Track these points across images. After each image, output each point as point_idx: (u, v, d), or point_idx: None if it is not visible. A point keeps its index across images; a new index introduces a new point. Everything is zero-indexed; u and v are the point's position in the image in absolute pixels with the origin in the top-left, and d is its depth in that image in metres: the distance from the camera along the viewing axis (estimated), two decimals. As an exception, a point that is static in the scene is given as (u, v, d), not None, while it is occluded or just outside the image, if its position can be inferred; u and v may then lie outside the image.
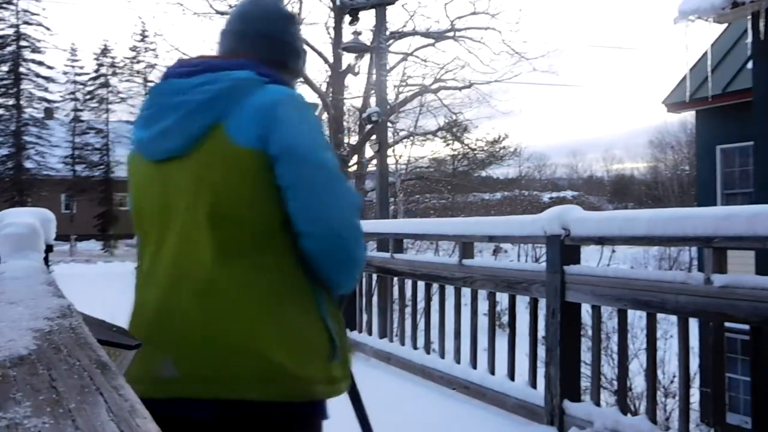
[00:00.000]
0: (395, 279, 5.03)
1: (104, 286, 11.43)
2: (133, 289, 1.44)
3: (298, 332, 1.28)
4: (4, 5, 34.59)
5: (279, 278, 1.29)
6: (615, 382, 6.48)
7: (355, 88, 35.17)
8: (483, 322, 4.07)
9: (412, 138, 23.58)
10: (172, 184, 1.32)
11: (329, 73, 20.51)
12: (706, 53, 10.32)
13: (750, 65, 8.02)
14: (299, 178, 1.27)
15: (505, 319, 4.41)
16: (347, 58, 19.03)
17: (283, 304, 1.28)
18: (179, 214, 1.30)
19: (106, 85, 38.96)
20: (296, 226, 1.29)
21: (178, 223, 1.31)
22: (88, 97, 39.03)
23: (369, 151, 20.92)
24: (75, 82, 38.60)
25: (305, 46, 1.57)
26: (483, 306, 4.20)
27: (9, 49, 35.14)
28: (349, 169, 20.28)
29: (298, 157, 1.27)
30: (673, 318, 2.81)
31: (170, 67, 1.42)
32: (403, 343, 4.84)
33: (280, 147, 1.26)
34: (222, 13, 19.85)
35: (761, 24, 6.37)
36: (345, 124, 21.97)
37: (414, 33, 20.23)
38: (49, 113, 37.86)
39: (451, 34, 20.25)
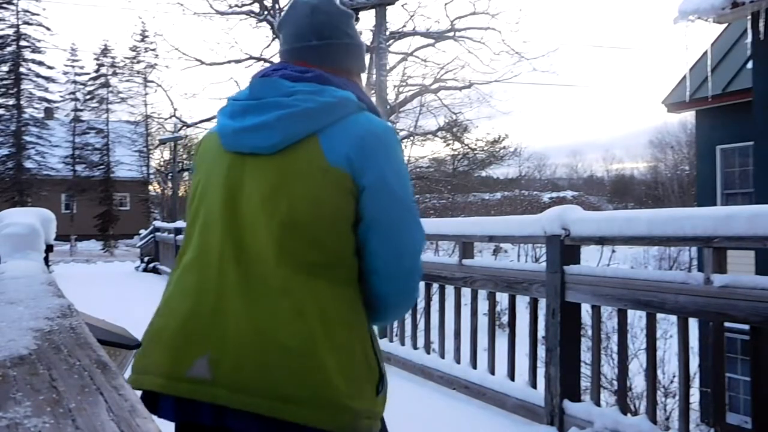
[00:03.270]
0: (395, 279, 5.03)
1: (104, 286, 11.42)
2: (174, 272, 1.36)
3: (356, 361, 1.23)
4: (4, 5, 34.59)
5: (342, 303, 1.24)
6: (615, 382, 6.48)
7: (355, 88, 35.10)
8: (483, 322, 4.08)
9: (412, 138, 23.60)
10: (248, 180, 1.27)
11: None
12: (706, 53, 10.32)
13: (750, 65, 8.02)
14: (385, 214, 1.27)
15: (505, 319, 4.41)
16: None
17: (345, 329, 1.23)
18: (249, 212, 1.25)
19: (106, 85, 38.96)
20: (369, 262, 1.28)
21: (246, 222, 1.25)
22: (88, 97, 39.03)
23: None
24: (75, 82, 38.60)
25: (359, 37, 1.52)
26: (483, 306, 4.20)
27: (9, 49, 35.14)
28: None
29: (387, 193, 1.26)
30: (673, 318, 2.81)
31: (276, 66, 1.38)
32: (403, 343, 4.84)
33: (372, 179, 1.25)
34: (222, 13, 19.87)
35: (761, 24, 6.37)
36: (345, 124, 21.93)
37: (414, 33, 20.24)
38: (49, 113, 37.85)
39: (451, 34, 20.26)
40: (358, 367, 1.23)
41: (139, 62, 39.10)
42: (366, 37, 13.20)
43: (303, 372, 1.16)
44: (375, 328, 1.38)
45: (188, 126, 24.05)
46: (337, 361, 1.19)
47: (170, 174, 29.61)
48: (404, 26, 20.22)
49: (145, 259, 16.47)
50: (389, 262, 1.28)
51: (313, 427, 1.16)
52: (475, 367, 4.00)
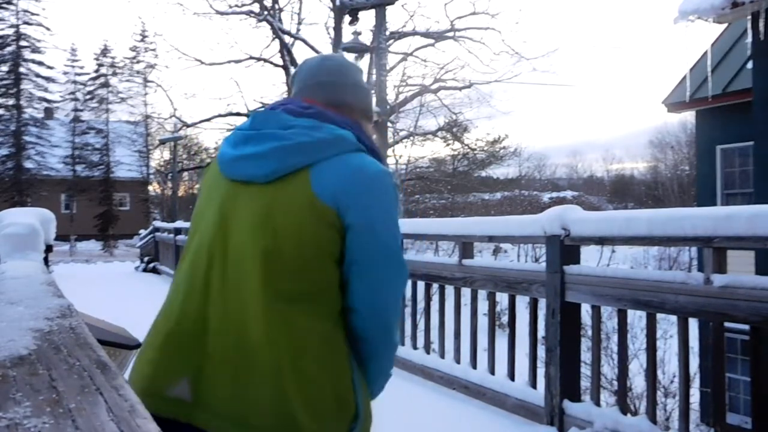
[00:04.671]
0: (395, 279, 5.03)
1: (104, 286, 11.42)
2: (169, 287, 1.41)
3: (324, 396, 1.24)
4: (4, 5, 34.59)
5: (317, 336, 1.25)
6: (615, 382, 6.48)
7: (355, 88, 35.11)
8: (483, 322, 4.08)
9: (412, 138, 23.60)
10: (240, 206, 1.31)
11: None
12: (706, 53, 10.32)
13: (750, 65, 8.02)
14: (367, 256, 1.28)
15: (505, 319, 4.41)
16: (347, 58, 19.01)
17: (315, 363, 1.24)
18: (238, 238, 1.29)
19: (106, 85, 38.97)
20: (349, 301, 1.30)
21: (233, 247, 1.29)
22: (88, 97, 39.03)
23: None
24: (75, 82, 38.61)
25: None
26: (483, 306, 4.20)
27: (9, 49, 35.15)
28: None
29: (371, 235, 1.28)
30: (673, 318, 2.81)
31: (283, 101, 1.44)
32: (402, 343, 4.84)
33: (356, 219, 1.27)
34: (222, 13, 19.87)
35: (761, 24, 6.37)
36: (345, 124, 21.92)
37: (414, 33, 20.23)
38: (49, 113, 37.85)
39: (451, 34, 20.26)
40: (326, 402, 1.23)
41: (139, 62, 39.13)
42: (366, 37, 13.21)
43: (268, 402, 1.18)
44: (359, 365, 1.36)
45: (188, 126, 24.04)
46: (302, 394, 1.20)
47: (170, 174, 29.61)
48: (404, 26, 20.22)
49: (145, 259, 16.47)
50: (367, 302, 1.30)
51: None
52: (475, 367, 4.00)
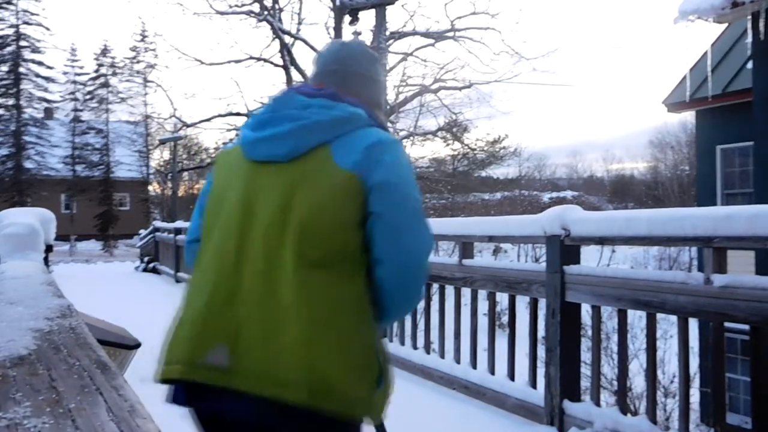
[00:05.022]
0: (395, 279, 5.03)
1: (104, 286, 11.42)
2: (193, 267, 1.47)
3: (354, 352, 1.32)
4: (4, 5, 34.59)
5: (347, 298, 1.34)
6: (615, 382, 6.48)
7: (355, 88, 35.08)
8: (483, 322, 4.07)
9: (412, 138, 23.57)
10: (265, 185, 1.39)
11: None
12: (706, 53, 10.31)
13: (750, 65, 8.01)
14: (388, 208, 1.36)
15: (505, 319, 4.41)
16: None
17: (346, 323, 1.32)
18: (265, 214, 1.36)
19: (106, 85, 38.95)
20: (373, 252, 1.37)
21: (261, 223, 1.36)
22: (88, 97, 39.02)
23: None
24: (75, 82, 38.59)
25: (385, 78, 1.72)
26: (483, 306, 4.20)
27: (9, 49, 35.14)
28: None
29: (392, 188, 1.37)
30: (673, 318, 2.81)
31: (296, 85, 1.55)
32: (403, 343, 4.84)
33: (379, 178, 1.36)
34: (222, 13, 19.86)
35: (761, 24, 6.37)
36: (345, 124, 21.90)
37: (414, 33, 20.21)
38: (49, 113, 37.84)
39: (451, 34, 20.23)
40: (356, 357, 1.32)
41: (139, 62, 39.11)
42: (366, 37, 13.20)
43: (300, 360, 1.25)
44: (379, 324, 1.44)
45: (188, 126, 24.02)
46: (332, 351, 1.28)
47: (170, 174, 29.60)
48: (404, 26, 20.17)
49: (145, 259, 16.47)
50: (389, 250, 1.36)
51: (308, 409, 1.24)
52: (475, 367, 4.00)
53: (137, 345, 2.93)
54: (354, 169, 1.34)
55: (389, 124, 14.24)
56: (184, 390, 1.33)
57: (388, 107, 12.30)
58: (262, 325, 1.28)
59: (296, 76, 20.43)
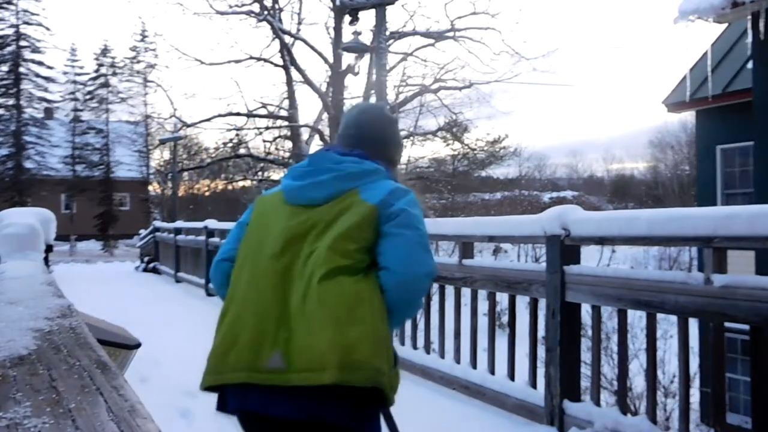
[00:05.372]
0: (395, 279, 5.02)
1: (104, 286, 11.42)
2: (231, 287, 1.73)
3: (375, 334, 1.56)
4: (4, 5, 34.59)
5: (366, 292, 1.60)
6: (615, 382, 6.47)
7: (355, 88, 35.17)
8: (483, 322, 4.07)
9: (412, 138, 23.57)
10: (306, 221, 1.70)
11: (329, 73, 20.52)
12: (706, 53, 10.31)
13: (750, 65, 8.01)
14: (400, 230, 1.67)
15: (505, 319, 4.41)
16: (347, 58, 19.04)
17: (367, 311, 1.58)
18: (307, 242, 1.66)
19: (106, 85, 38.95)
20: (382, 262, 1.66)
21: (305, 248, 1.66)
22: (88, 97, 39.02)
23: (369, 151, 20.83)
24: (75, 82, 38.60)
25: (400, 138, 2.07)
26: (483, 306, 4.20)
27: (9, 49, 35.14)
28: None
29: (406, 215, 1.69)
30: (673, 318, 2.81)
31: (327, 147, 1.90)
32: (403, 343, 4.84)
33: (396, 208, 1.70)
34: (222, 13, 19.86)
35: (761, 24, 6.37)
36: (345, 124, 21.89)
37: (414, 33, 20.22)
38: (49, 113, 37.83)
39: (451, 34, 20.25)
40: (377, 338, 1.56)
41: (139, 62, 39.11)
42: (366, 37, 13.19)
43: (332, 343, 1.50)
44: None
45: (188, 126, 24.01)
46: (359, 332, 1.53)
47: (170, 174, 29.58)
48: (404, 26, 20.21)
49: (145, 259, 16.47)
50: (399, 260, 1.64)
51: (346, 387, 1.48)
52: (475, 367, 4.00)
53: (137, 345, 2.93)
54: (376, 202, 1.68)
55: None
56: (238, 395, 1.58)
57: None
58: (306, 328, 1.54)
59: (296, 76, 20.45)
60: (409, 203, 1.73)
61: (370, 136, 1.92)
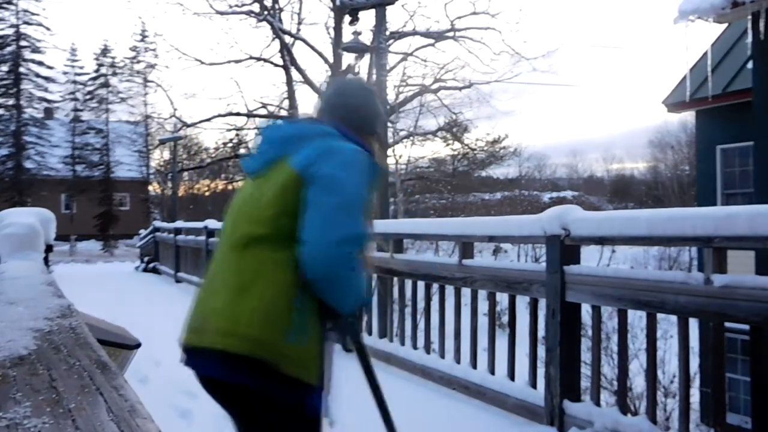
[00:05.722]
0: (395, 279, 5.03)
1: (104, 286, 11.41)
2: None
3: (264, 305, 1.57)
4: (4, 5, 34.57)
5: (271, 264, 1.60)
6: (615, 382, 6.47)
7: (355, 88, 35.01)
8: (483, 322, 4.07)
9: (412, 138, 23.59)
10: (252, 194, 1.73)
11: (329, 73, 20.51)
12: (706, 53, 10.30)
13: (750, 65, 8.01)
14: (317, 199, 1.59)
15: (505, 319, 4.41)
16: (347, 58, 19.02)
17: (264, 282, 1.58)
18: (243, 213, 1.71)
19: (106, 85, 38.92)
20: (300, 234, 1.58)
21: (240, 220, 1.71)
22: (88, 97, 38.99)
23: (369, 152, 20.86)
24: (75, 82, 38.57)
25: (382, 111, 1.98)
26: (483, 306, 4.19)
27: (9, 49, 35.12)
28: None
29: (324, 182, 1.60)
30: (673, 318, 2.81)
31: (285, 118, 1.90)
32: (403, 343, 4.84)
33: (316, 172, 1.61)
34: (222, 13, 19.86)
35: (761, 24, 6.36)
36: (345, 124, 21.91)
37: (414, 33, 20.22)
38: (49, 113, 37.81)
39: (451, 34, 20.26)
40: (268, 310, 1.56)
41: (139, 62, 39.07)
42: (366, 37, 13.19)
43: (220, 309, 1.59)
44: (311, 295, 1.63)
45: (188, 126, 24.02)
46: (244, 305, 1.56)
47: (170, 174, 29.58)
48: (404, 26, 20.22)
49: (145, 259, 16.46)
50: (313, 232, 1.57)
51: (233, 353, 1.53)
52: (475, 367, 4.00)
53: (137, 345, 2.93)
54: (301, 167, 1.62)
55: (389, 124, 14.24)
56: (185, 355, 1.67)
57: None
58: (221, 294, 1.61)
59: (296, 76, 20.45)
60: (339, 165, 1.62)
61: (343, 105, 1.87)
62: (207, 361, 1.60)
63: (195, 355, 1.64)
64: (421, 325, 4.62)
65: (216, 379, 1.62)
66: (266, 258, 1.60)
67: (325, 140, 1.69)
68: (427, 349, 4.51)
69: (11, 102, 35.23)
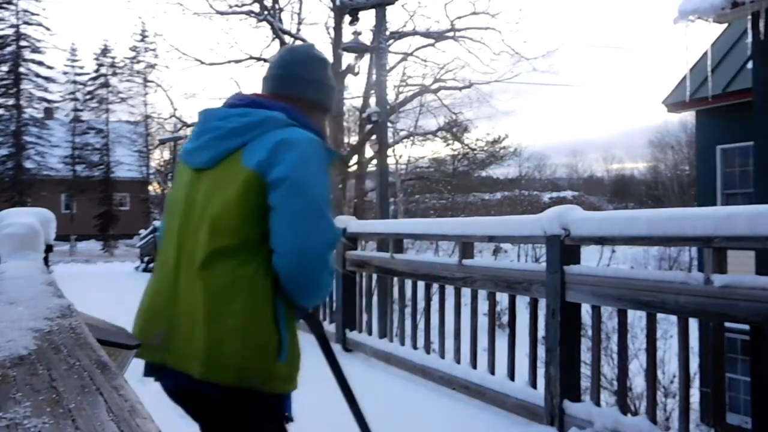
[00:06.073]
0: (395, 279, 5.03)
1: (104, 286, 11.42)
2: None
3: (247, 328, 1.49)
4: (4, 5, 34.58)
5: (241, 281, 1.50)
6: (615, 382, 6.47)
7: (355, 88, 35.19)
8: (483, 322, 4.07)
9: (412, 138, 23.60)
10: (198, 190, 1.58)
11: (329, 73, 20.48)
12: (706, 53, 10.30)
13: (750, 65, 8.01)
14: (283, 202, 1.49)
15: (505, 319, 4.41)
16: (347, 58, 19.02)
17: (239, 303, 1.48)
18: (195, 215, 1.56)
19: (106, 85, 38.94)
20: (272, 243, 1.51)
21: (193, 223, 1.56)
22: (88, 97, 39.01)
23: (369, 151, 20.94)
24: (75, 82, 38.59)
25: (335, 84, 1.81)
26: (483, 306, 4.19)
27: (9, 49, 35.14)
28: (349, 169, 20.28)
29: (287, 185, 1.48)
30: (673, 318, 2.81)
31: (227, 98, 1.69)
32: (403, 343, 4.84)
33: (277, 174, 1.49)
34: (222, 13, 19.86)
35: (761, 24, 6.36)
36: (345, 124, 21.98)
37: (414, 33, 20.23)
38: (49, 113, 37.82)
39: (451, 34, 20.27)
40: (252, 332, 1.49)
41: (139, 62, 39.10)
42: (366, 37, 13.19)
43: (202, 340, 1.47)
44: (289, 304, 1.57)
45: (188, 126, 24.03)
46: (227, 332, 1.47)
47: (170, 174, 29.59)
48: (404, 26, 20.24)
49: (145, 259, 16.47)
50: (284, 242, 1.49)
51: (207, 381, 1.46)
52: (475, 367, 4.00)
53: (137, 345, 2.92)
54: (257, 167, 1.49)
55: (389, 124, 14.23)
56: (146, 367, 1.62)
57: (380, 114, 12.28)
58: (187, 313, 1.51)
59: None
60: (298, 164, 1.50)
61: (295, 75, 1.71)
62: (184, 380, 1.52)
63: (168, 374, 1.56)
64: (421, 325, 4.62)
65: (190, 393, 1.54)
66: (236, 276, 1.49)
67: (277, 132, 1.54)
68: (427, 349, 4.50)
69: (11, 102, 35.25)
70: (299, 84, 1.70)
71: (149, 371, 1.63)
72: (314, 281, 1.53)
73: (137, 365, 1.69)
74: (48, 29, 36.09)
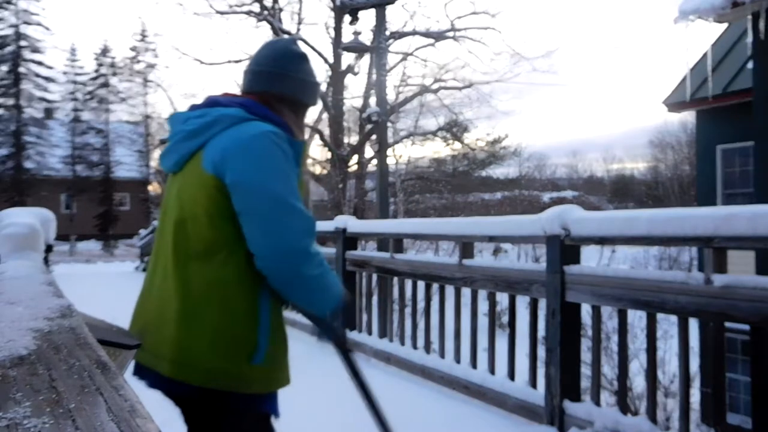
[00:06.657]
0: (395, 279, 5.03)
1: (104, 286, 11.41)
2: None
3: (221, 331, 1.50)
4: (4, 5, 34.57)
5: (217, 283, 1.51)
6: (615, 382, 6.47)
7: (355, 88, 35.20)
8: (483, 322, 4.07)
9: (412, 138, 23.57)
10: (171, 193, 1.64)
11: (329, 73, 20.53)
12: (706, 53, 10.30)
13: (750, 65, 8.01)
14: (246, 207, 1.49)
15: (505, 319, 4.41)
16: (347, 58, 19.04)
17: (212, 305, 1.50)
18: (168, 218, 1.61)
19: (106, 85, 38.94)
20: (249, 247, 1.51)
21: (167, 226, 1.61)
22: (88, 97, 39.00)
23: (369, 151, 20.93)
24: (75, 82, 38.58)
25: (316, 79, 1.78)
26: (483, 306, 4.19)
27: (9, 49, 35.13)
28: (349, 169, 20.28)
29: (244, 188, 1.49)
30: (673, 318, 2.81)
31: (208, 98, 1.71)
32: (403, 343, 4.84)
33: (232, 178, 1.49)
34: (222, 13, 19.85)
35: (761, 24, 6.36)
36: (345, 124, 21.98)
37: (414, 33, 20.24)
38: (49, 113, 37.82)
39: (451, 34, 20.27)
40: (223, 335, 1.50)
41: (139, 62, 39.10)
42: (366, 37, 13.18)
43: (173, 341, 1.51)
44: (270, 306, 1.57)
45: (188, 126, 23.98)
46: (199, 335, 1.49)
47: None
48: (404, 26, 20.24)
49: (145, 259, 16.46)
50: (259, 245, 1.49)
51: (179, 381, 1.50)
52: (475, 367, 4.00)
53: (137, 345, 2.92)
54: (213, 169, 1.50)
55: (389, 124, 14.23)
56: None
57: (379, 114, 12.28)
58: (158, 312, 1.56)
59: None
60: (245, 166, 1.49)
61: (270, 71, 1.69)
62: (157, 379, 1.56)
63: (149, 374, 1.59)
64: (421, 325, 4.62)
65: (163, 391, 1.59)
66: (213, 279, 1.50)
67: (230, 130, 1.53)
68: (427, 349, 4.51)
69: (11, 102, 35.24)
70: (270, 79, 1.69)
71: (135, 369, 1.66)
72: (302, 276, 1.50)
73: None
74: (48, 29, 36.22)
